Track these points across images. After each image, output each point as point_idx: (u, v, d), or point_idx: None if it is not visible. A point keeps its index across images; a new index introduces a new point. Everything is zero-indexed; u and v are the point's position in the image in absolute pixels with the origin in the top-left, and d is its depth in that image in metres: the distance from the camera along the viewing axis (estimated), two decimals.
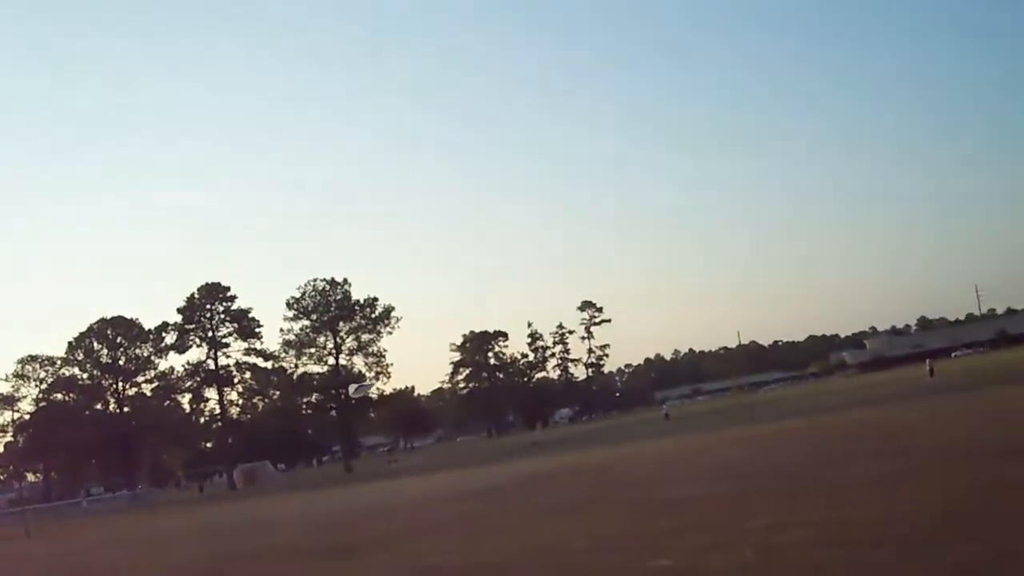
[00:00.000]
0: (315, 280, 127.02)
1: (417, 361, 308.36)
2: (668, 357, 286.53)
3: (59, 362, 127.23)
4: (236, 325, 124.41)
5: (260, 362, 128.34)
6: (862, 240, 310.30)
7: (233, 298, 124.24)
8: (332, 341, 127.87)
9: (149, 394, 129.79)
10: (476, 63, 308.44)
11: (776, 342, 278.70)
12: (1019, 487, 13.16)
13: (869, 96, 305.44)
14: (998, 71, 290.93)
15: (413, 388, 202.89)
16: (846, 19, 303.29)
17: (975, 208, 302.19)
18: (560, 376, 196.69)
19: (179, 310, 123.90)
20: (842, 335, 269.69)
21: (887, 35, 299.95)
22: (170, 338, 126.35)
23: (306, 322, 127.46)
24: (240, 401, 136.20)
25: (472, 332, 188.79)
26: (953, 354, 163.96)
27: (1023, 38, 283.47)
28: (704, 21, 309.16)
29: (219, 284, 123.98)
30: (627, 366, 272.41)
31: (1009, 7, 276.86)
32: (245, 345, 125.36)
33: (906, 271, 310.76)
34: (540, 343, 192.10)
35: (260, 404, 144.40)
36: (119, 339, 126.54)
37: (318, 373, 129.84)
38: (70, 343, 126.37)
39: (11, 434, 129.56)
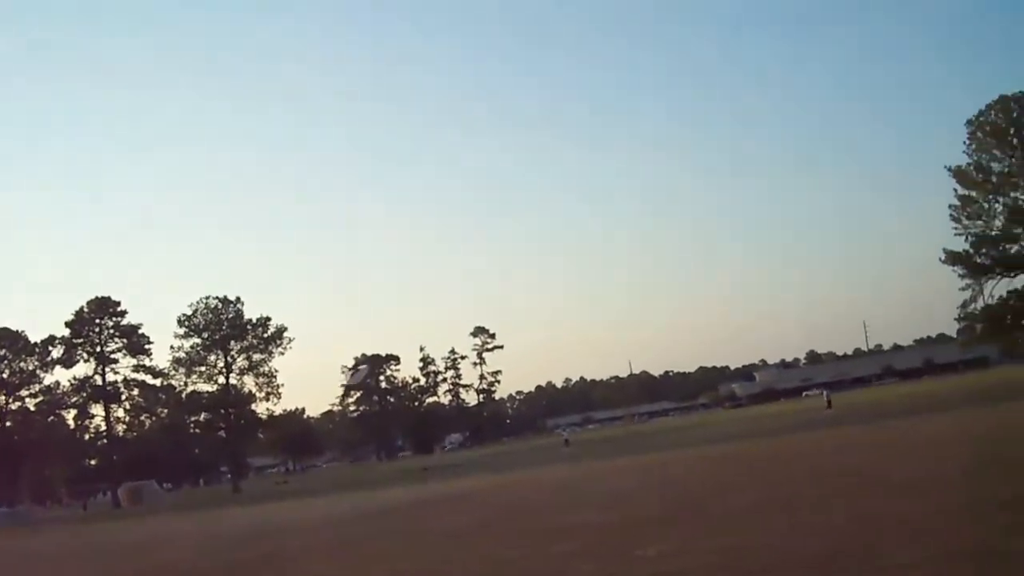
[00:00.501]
0: (207, 298, 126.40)
1: (308, 382, 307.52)
2: (560, 385, 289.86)
3: None
4: (125, 341, 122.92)
5: (149, 379, 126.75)
6: (754, 274, 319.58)
7: (123, 313, 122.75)
8: (223, 360, 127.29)
9: (33, 409, 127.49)
10: (346, 76, 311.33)
11: (667, 372, 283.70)
12: (902, 520, 13.78)
13: (758, 129, 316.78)
14: (871, 108, 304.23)
15: (303, 410, 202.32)
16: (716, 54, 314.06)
17: (865, 245, 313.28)
18: (451, 401, 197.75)
19: (67, 324, 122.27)
20: (732, 367, 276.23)
21: (775, 73, 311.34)
22: (57, 352, 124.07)
23: (197, 340, 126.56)
24: (127, 418, 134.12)
25: (364, 355, 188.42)
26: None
27: (882, 71, 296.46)
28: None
29: (109, 298, 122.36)
30: (518, 393, 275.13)
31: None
32: (134, 361, 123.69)
33: (796, 306, 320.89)
34: (432, 368, 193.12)
35: (148, 422, 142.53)
36: (3, 351, 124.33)
37: (208, 392, 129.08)
38: None
39: None
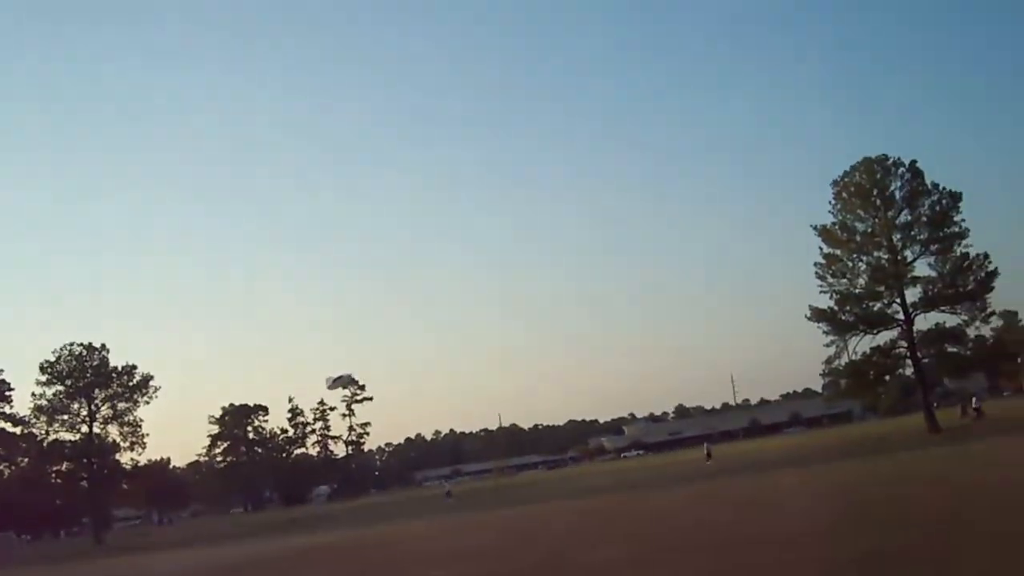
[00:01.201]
0: (71, 344, 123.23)
1: (175, 432, 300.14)
2: (429, 437, 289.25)
3: None
4: None
5: (9, 427, 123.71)
6: (624, 328, 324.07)
7: None
8: (86, 408, 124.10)
9: None
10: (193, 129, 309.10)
11: (537, 425, 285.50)
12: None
13: (629, 187, 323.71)
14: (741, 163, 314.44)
15: (169, 460, 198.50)
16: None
17: (734, 301, 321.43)
18: (320, 453, 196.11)
19: None
20: (601, 420, 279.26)
21: (630, 125, 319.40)
22: None
23: (60, 387, 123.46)
24: None
25: (232, 405, 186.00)
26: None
27: (753, 131, 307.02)
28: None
29: None
30: (387, 445, 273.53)
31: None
32: None
33: (666, 360, 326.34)
34: (301, 419, 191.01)
35: (6, 471, 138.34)
36: None
37: (70, 441, 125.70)
38: None
39: None
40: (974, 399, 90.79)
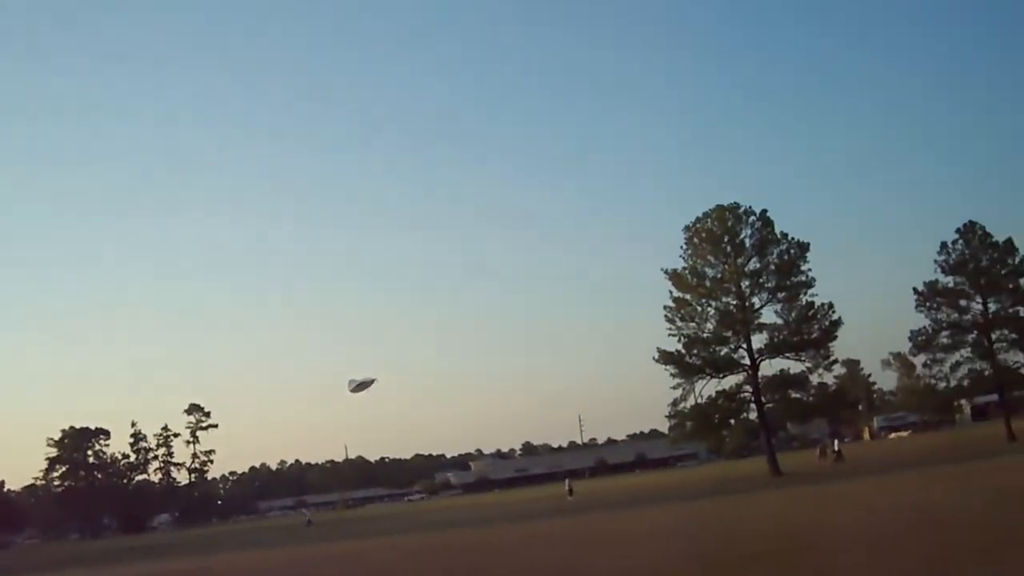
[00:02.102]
0: None
1: (10, 455, 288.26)
2: (274, 467, 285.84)
3: None
4: None
5: None
6: (472, 364, 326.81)
7: None
8: None
9: None
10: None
11: (383, 458, 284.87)
12: None
13: (488, 228, 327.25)
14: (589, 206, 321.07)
15: (3, 483, 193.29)
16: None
17: (583, 340, 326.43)
18: (162, 480, 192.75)
19: None
20: (448, 455, 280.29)
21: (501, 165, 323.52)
22: None
23: None
24: None
25: (72, 427, 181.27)
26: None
27: (612, 188, 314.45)
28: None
29: None
30: (231, 474, 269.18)
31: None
32: None
33: (514, 397, 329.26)
34: (143, 444, 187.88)
35: None
36: None
37: None
38: None
39: None
40: (835, 442, 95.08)
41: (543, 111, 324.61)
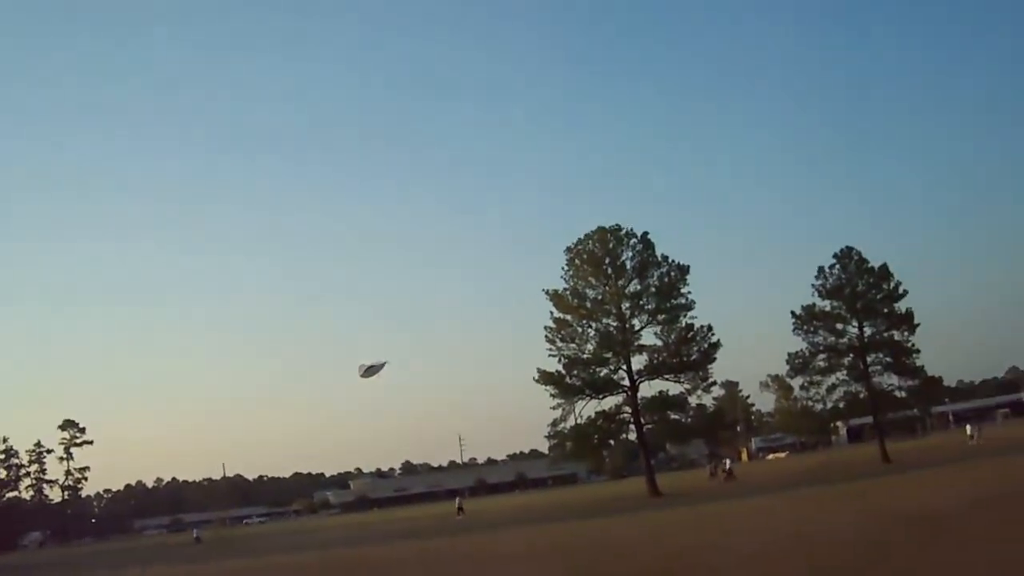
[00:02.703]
0: None
1: None
2: (150, 485, 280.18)
3: None
4: None
5: None
6: (351, 383, 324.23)
7: None
8: None
9: None
10: None
11: (262, 477, 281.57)
12: None
13: (360, 237, 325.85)
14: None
15: None
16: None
17: (463, 360, 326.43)
18: (34, 497, 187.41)
19: None
20: (328, 474, 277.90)
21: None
22: None
23: None
24: None
25: None
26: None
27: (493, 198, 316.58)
28: None
29: None
30: (106, 491, 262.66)
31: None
32: None
33: (394, 416, 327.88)
34: (15, 460, 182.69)
35: None
36: None
37: None
38: None
39: None
40: (727, 461, 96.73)
41: (417, 119, 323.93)
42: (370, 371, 43.07)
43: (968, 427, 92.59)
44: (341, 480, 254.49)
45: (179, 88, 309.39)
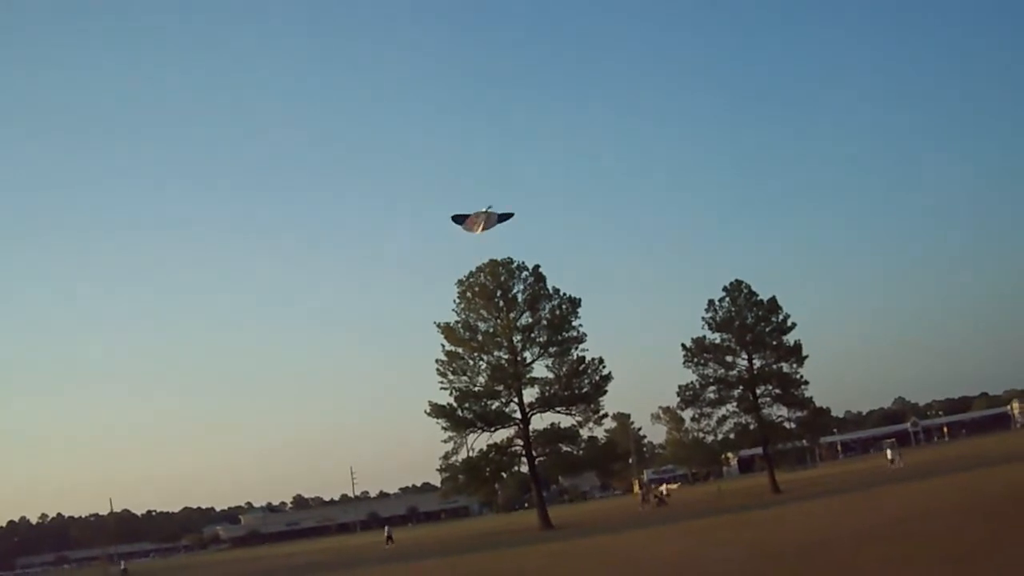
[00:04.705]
0: None
1: None
2: (34, 521, 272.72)
3: None
4: None
5: None
6: (242, 415, 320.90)
7: None
8: None
9: None
10: None
11: (151, 511, 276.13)
12: None
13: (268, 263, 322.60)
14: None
15: None
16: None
17: (353, 393, 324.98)
18: None
19: None
20: (218, 508, 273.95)
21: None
22: None
23: None
24: None
25: None
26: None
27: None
28: None
29: None
30: None
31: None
32: None
33: (285, 449, 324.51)
34: None
35: None
36: None
37: None
38: None
39: None
40: (663, 488, 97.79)
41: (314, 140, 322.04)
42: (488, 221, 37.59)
43: (888, 451, 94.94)
44: (232, 515, 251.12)
45: None
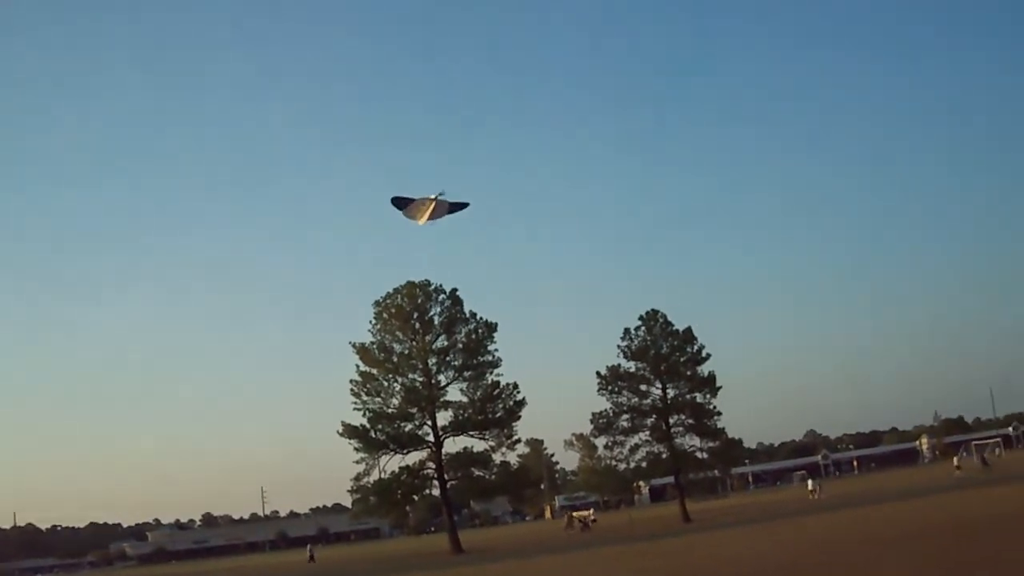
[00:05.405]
0: None
1: None
2: None
3: None
4: None
5: None
6: (146, 430, 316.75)
7: None
8: None
9: None
10: None
11: (56, 526, 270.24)
12: None
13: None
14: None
15: None
16: None
17: (264, 411, 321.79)
18: None
19: None
20: (125, 524, 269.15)
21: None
22: None
23: None
24: None
25: None
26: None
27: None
28: None
29: None
30: None
31: None
32: None
33: (193, 466, 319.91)
34: None
35: None
36: None
37: None
38: None
39: None
40: (591, 511, 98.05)
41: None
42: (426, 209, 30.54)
43: (809, 482, 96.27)
44: (139, 531, 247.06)
45: None
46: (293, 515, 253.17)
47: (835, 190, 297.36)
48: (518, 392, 77.18)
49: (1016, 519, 33.76)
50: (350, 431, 75.20)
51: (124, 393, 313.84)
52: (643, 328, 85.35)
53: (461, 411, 76.82)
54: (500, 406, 77.00)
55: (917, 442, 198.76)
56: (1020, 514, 35.04)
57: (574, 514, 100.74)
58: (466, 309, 77.39)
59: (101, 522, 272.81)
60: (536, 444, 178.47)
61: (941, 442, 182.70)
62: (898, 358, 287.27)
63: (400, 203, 30.60)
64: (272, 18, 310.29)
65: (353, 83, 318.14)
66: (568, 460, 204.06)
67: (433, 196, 30.11)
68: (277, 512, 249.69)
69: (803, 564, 29.81)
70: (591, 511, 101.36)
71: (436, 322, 76.71)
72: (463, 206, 31.38)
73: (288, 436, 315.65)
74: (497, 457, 78.53)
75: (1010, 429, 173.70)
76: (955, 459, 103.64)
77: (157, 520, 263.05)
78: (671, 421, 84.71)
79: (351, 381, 77.11)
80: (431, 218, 30.79)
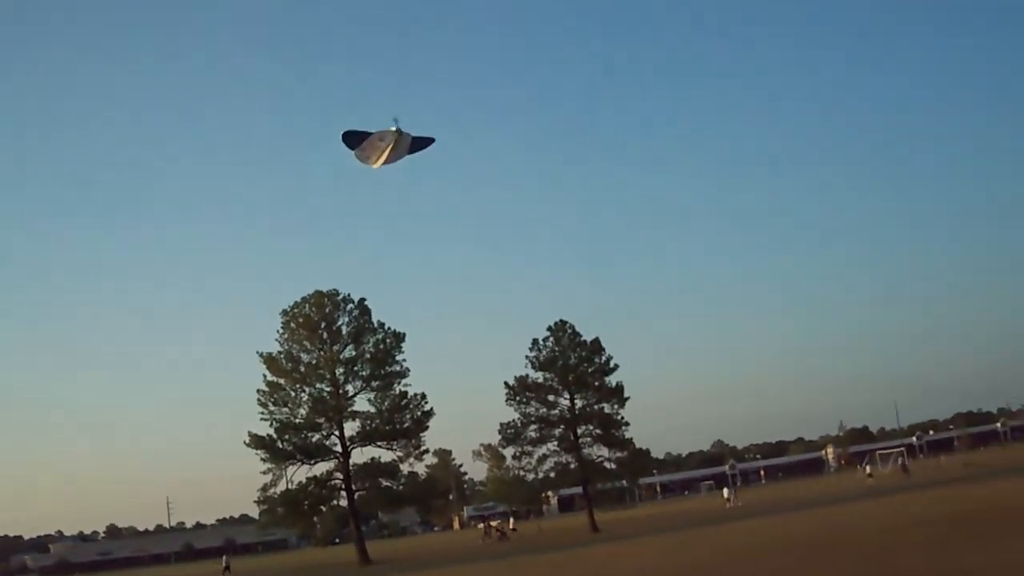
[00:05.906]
0: None
1: None
2: None
3: None
4: None
5: None
6: (49, 441, 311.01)
7: None
8: None
9: None
10: None
11: None
12: None
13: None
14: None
15: None
16: None
17: (170, 421, 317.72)
18: None
19: None
20: (26, 537, 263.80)
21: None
22: None
23: None
24: None
25: None
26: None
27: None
28: None
29: None
30: None
31: None
32: None
33: (99, 477, 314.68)
34: None
35: None
36: None
37: None
38: None
39: None
40: (511, 520, 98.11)
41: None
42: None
43: (725, 490, 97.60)
44: (41, 543, 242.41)
45: None
46: (199, 526, 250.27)
47: (740, 203, 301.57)
48: (426, 402, 77.58)
49: (940, 523, 34.38)
50: (257, 441, 74.82)
51: (24, 404, 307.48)
52: (551, 339, 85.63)
53: (369, 421, 76.91)
54: (408, 416, 77.25)
55: (823, 452, 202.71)
56: (949, 518, 35.75)
57: (492, 523, 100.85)
58: (374, 319, 77.63)
59: (2, 535, 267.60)
60: (444, 454, 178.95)
61: (846, 452, 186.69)
62: (804, 368, 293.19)
63: (353, 140, 23.46)
64: None
65: None
66: (477, 470, 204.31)
67: (393, 130, 23.06)
68: (183, 523, 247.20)
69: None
70: (510, 520, 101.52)
71: (344, 332, 76.75)
72: (428, 142, 24.68)
73: (194, 446, 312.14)
74: (405, 467, 79.00)
75: (914, 439, 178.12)
76: (866, 467, 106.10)
77: (60, 532, 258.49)
78: (579, 431, 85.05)
79: (258, 391, 76.79)
80: (388, 160, 23.95)
